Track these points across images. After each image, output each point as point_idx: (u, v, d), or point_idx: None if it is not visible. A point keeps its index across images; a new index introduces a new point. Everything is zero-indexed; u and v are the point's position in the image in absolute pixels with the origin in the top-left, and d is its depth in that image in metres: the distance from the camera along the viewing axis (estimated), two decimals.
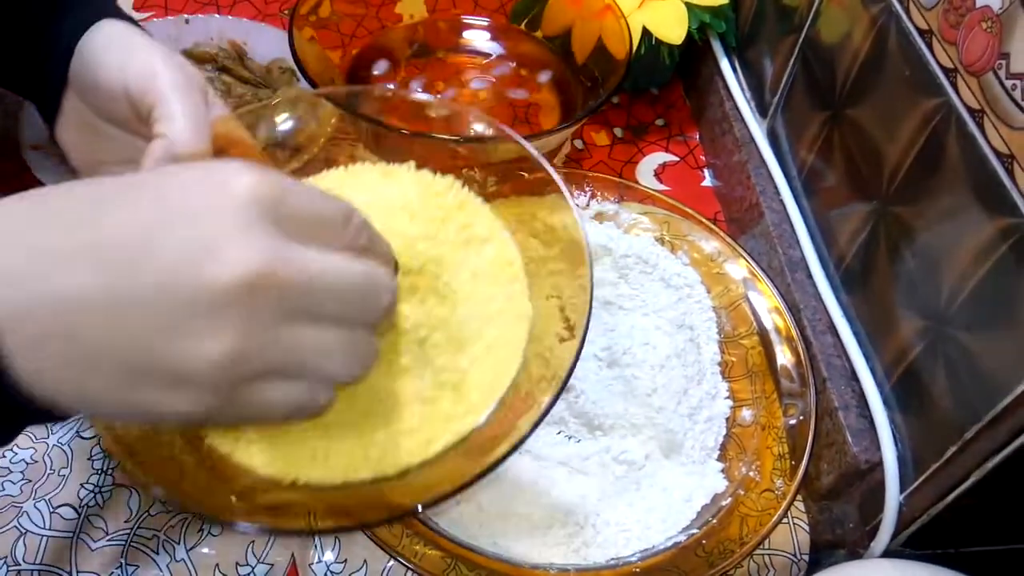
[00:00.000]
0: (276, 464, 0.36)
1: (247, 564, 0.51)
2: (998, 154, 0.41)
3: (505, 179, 0.61)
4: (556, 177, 0.45)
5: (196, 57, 0.76)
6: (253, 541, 0.52)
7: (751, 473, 0.51)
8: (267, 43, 0.77)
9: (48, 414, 0.27)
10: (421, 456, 0.36)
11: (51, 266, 0.25)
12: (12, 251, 0.25)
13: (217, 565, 0.51)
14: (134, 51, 0.41)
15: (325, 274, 0.27)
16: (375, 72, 0.70)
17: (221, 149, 0.42)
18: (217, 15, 0.78)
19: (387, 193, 0.42)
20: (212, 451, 0.36)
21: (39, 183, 0.65)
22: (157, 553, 0.51)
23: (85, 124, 0.44)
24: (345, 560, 0.52)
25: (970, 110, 0.43)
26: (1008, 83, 0.40)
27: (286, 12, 0.84)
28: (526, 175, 0.62)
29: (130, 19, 0.46)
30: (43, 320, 0.25)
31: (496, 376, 0.38)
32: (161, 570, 0.50)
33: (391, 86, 0.72)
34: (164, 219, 0.25)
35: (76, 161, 0.46)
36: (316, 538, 0.52)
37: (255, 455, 0.36)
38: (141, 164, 0.38)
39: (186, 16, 0.77)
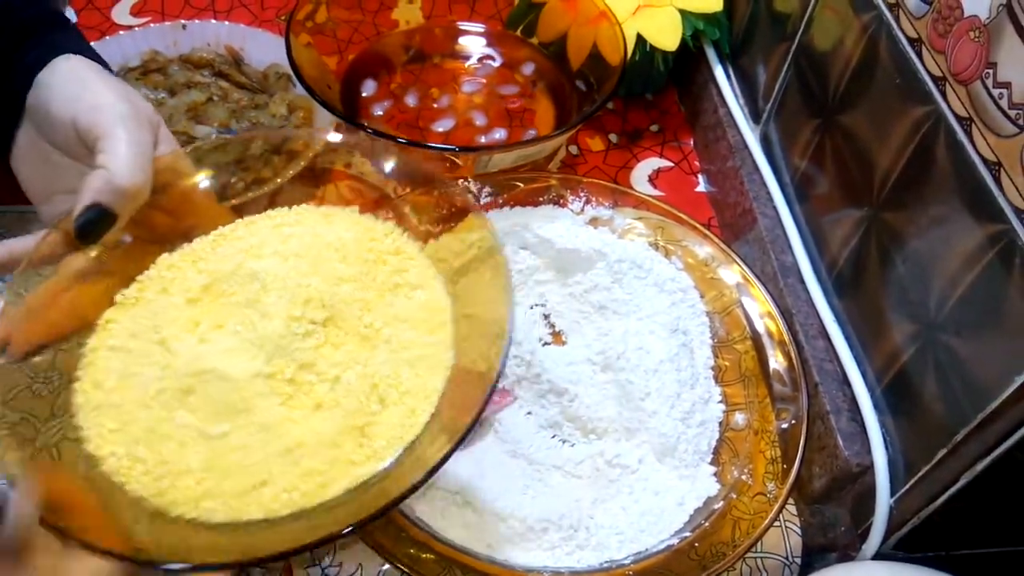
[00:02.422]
0: (166, 496, 0.36)
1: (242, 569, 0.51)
2: (986, 162, 0.41)
3: (500, 189, 0.62)
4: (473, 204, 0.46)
5: (193, 62, 0.76)
6: None
7: (744, 477, 0.52)
8: (264, 49, 0.77)
9: None
10: (318, 499, 0.36)
11: None
12: None
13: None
14: (87, 85, 0.43)
15: None
16: (364, 94, 0.70)
17: (166, 184, 0.43)
18: (214, 20, 0.78)
19: (325, 234, 0.43)
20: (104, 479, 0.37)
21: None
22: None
23: (39, 155, 0.45)
24: (340, 564, 0.52)
25: (959, 118, 0.43)
26: (995, 92, 0.40)
27: (283, 18, 0.85)
28: (520, 185, 0.62)
29: (91, 52, 0.48)
30: None
31: (405, 424, 0.38)
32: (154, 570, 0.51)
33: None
34: None
35: (30, 191, 0.47)
36: None
37: (146, 486, 0.36)
38: (79, 194, 0.39)
39: (183, 21, 0.77)
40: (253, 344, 0.39)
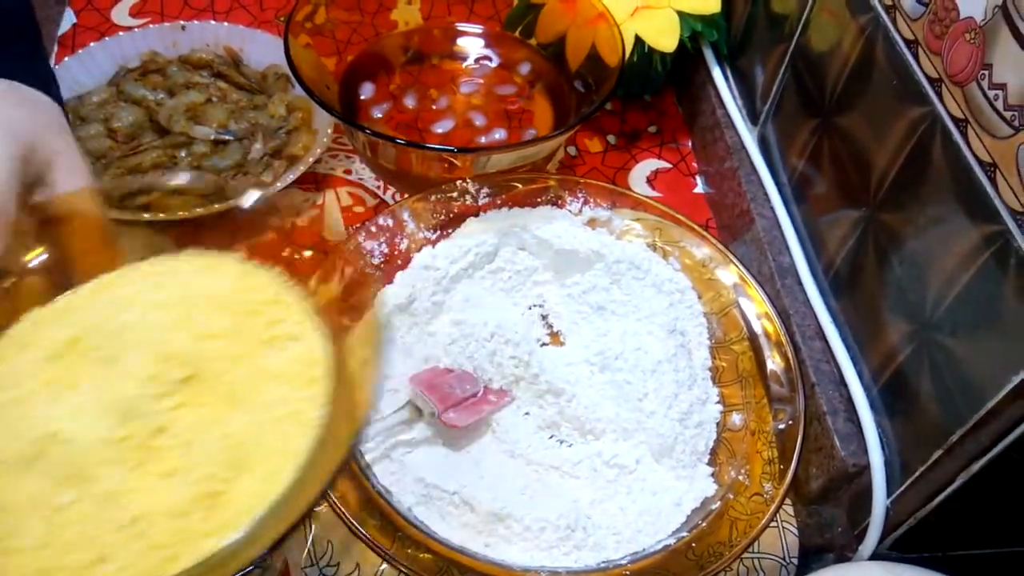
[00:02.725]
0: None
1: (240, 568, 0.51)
2: (981, 163, 0.41)
3: (498, 190, 0.62)
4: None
5: (192, 63, 0.76)
6: None
7: (740, 477, 0.52)
8: (263, 49, 0.78)
9: None
10: (162, 575, 0.32)
11: None
12: None
13: None
14: None
15: None
16: (363, 95, 0.70)
17: (65, 218, 0.41)
18: (213, 22, 0.79)
19: (198, 286, 0.41)
20: None
21: None
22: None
23: None
24: (338, 564, 0.52)
25: (954, 119, 0.43)
26: (991, 93, 0.40)
27: (282, 19, 0.85)
28: (519, 186, 0.62)
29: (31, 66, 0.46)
30: None
31: (263, 491, 0.34)
32: None
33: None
34: None
35: None
36: (309, 542, 0.53)
37: None
38: None
39: (183, 23, 0.78)
40: (105, 406, 0.36)
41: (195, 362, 0.37)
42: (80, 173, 0.43)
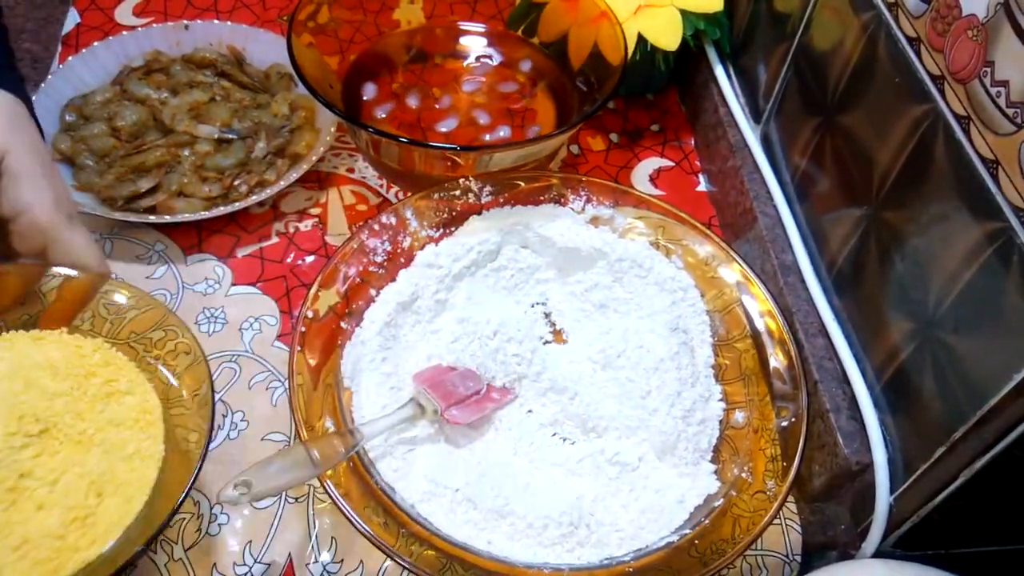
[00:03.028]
0: None
1: (244, 564, 0.52)
2: (984, 160, 0.41)
3: (501, 188, 0.62)
4: None
5: (196, 62, 0.76)
6: (250, 541, 0.52)
7: (743, 474, 0.52)
8: (266, 49, 0.78)
9: None
10: None
11: None
12: None
13: (215, 565, 0.51)
14: None
15: None
16: (365, 96, 0.71)
17: None
18: (216, 21, 0.79)
19: (34, 356, 0.48)
20: None
21: None
22: (155, 552, 0.51)
23: None
24: (342, 560, 0.52)
25: (957, 117, 0.43)
26: (993, 90, 0.40)
27: (285, 18, 0.85)
28: (522, 184, 0.63)
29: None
30: None
31: (123, 511, 0.44)
32: (160, 569, 0.51)
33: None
34: None
35: None
36: (313, 538, 0.53)
37: None
38: None
39: (186, 22, 0.78)
40: None
41: (46, 418, 0.45)
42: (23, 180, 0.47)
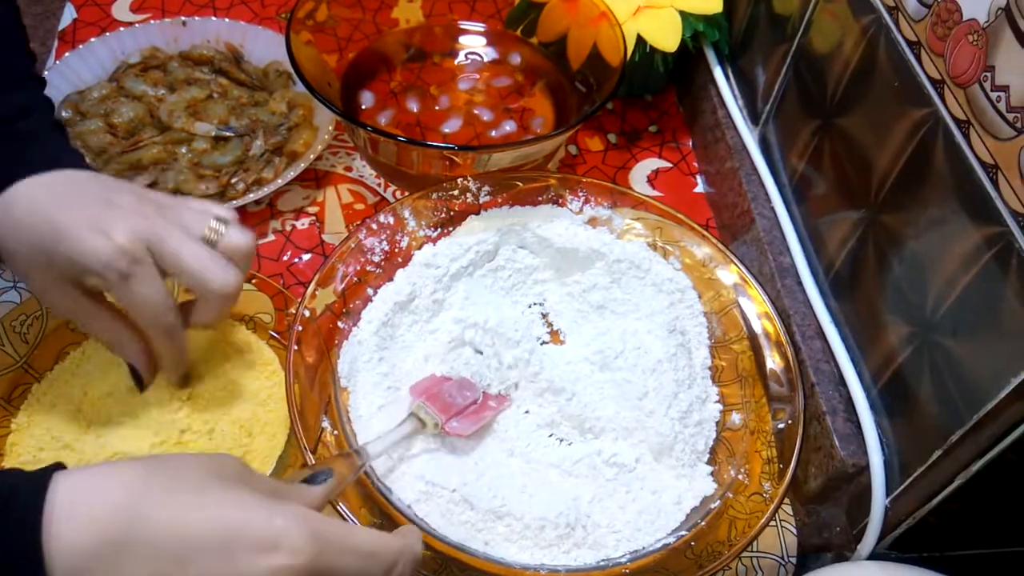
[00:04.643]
0: None
1: None
2: (983, 164, 0.41)
3: (499, 188, 0.62)
4: None
5: (193, 59, 0.76)
6: None
7: (740, 476, 0.52)
8: (264, 46, 0.77)
9: None
10: None
11: None
12: None
13: None
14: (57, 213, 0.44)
15: None
16: (364, 95, 0.71)
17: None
18: (214, 18, 0.79)
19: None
20: None
21: None
22: None
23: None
24: None
25: (957, 121, 0.43)
26: (993, 95, 0.40)
27: (283, 15, 0.85)
28: (520, 184, 0.62)
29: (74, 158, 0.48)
30: None
31: (272, 444, 0.53)
32: None
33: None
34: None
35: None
36: None
37: None
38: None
39: (183, 18, 0.78)
40: (141, 427, 0.52)
41: (191, 383, 0.54)
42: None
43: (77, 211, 0.44)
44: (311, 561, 0.32)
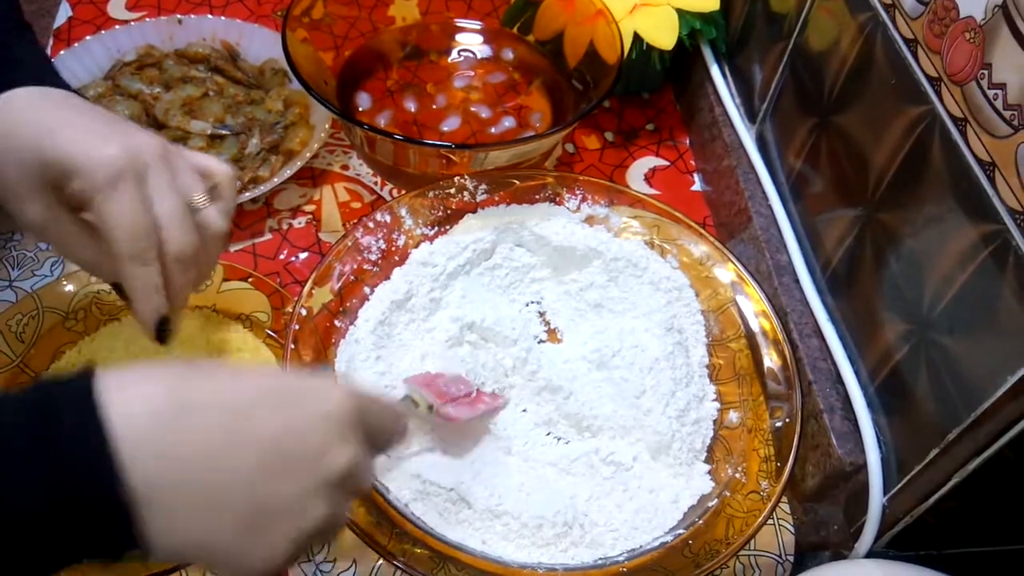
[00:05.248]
0: None
1: None
2: (980, 162, 0.41)
3: (496, 187, 0.62)
4: None
5: (189, 57, 0.76)
6: None
7: (737, 475, 0.52)
8: (260, 44, 0.77)
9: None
10: None
11: (214, 448, 0.31)
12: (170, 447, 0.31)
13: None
14: (60, 123, 0.43)
15: (365, 471, 0.37)
16: (360, 94, 0.70)
17: None
18: (210, 16, 0.78)
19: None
20: None
21: None
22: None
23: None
24: (335, 560, 0.52)
25: (954, 118, 0.43)
26: (990, 93, 0.40)
27: (279, 13, 0.84)
28: (517, 183, 0.62)
29: (54, 77, 0.47)
30: (189, 481, 0.31)
31: None
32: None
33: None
34: (291, 429, 0.33)
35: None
36: None
37: None
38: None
39: (179, 16, 0.77)
40: None
41: None
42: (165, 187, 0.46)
43: (80, 116, 0.44)
44: (354, 407, 0.35)
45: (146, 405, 0.30)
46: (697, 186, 0.76)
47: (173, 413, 0.31)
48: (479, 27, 0.77)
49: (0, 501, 0.28)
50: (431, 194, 0.61)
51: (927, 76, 0.45)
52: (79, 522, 0.29)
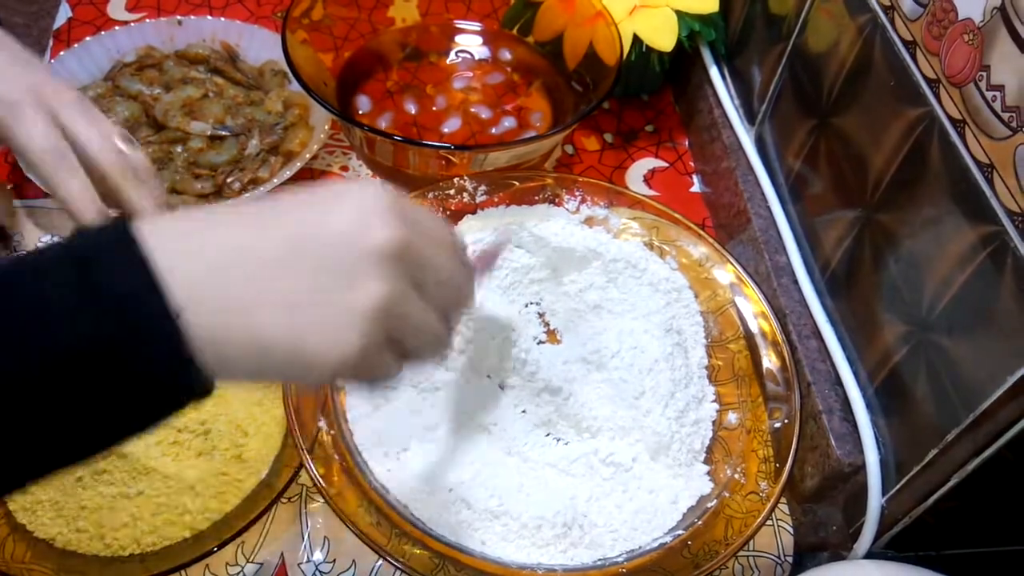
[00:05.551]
0: (112, 547, 0.50)
1: (236, 564, 0.51)
2: (978, 163, 0.41)
3: (496, 188, 0.62)
4: None
5: (189, 58, 0.76)
6: (243, 541, 0.52)
7: (736, 476, 0.52)
8: (260, 45, 0.77)
9: (197, 388, 0.30)
10: (223, 511, 0.52)
11: (245, 241, 0.31)
12: (207, 249, 0.30)
13: (207, 565, 0.51)
14: None
15: (436, 257, 0.34)
16: (359, 95, 0.71)
17: None
18: (210, 17, 0.78)
19: None
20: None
21: (29, 181, 0.65)
22: None
23: None
24: (334, 560, 0.52)
25: (952, 120, 0.43)
26: (988, 94, 0.41)
27: (279, 14, 0.85)
28: (516, 184, 0.62)
29: None
30: (229, 273, 0.30)
31: (269, 444, 0.54)
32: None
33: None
34: (335, 210, 0.32)
35: None
36: (305, 538, 0.53)
37: (94, 547, 0.50)
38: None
39: (179, 17, 0.77)
40: None
41: None
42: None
43: None
44: (397, 202, 0.33)
45: (174, 222, 0.31)
46: (696, 187, 0.76)
47: (201, 224, 0.31)
48: (479, 28, 0.77)
49: (51, 337, 0.27)
50: (431, 195, 0.61)
51: (926, 78, 0.46)
52: (132, 350, 0.28)
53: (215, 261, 0.30)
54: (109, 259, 0.28)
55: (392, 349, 0.33)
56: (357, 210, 0.32)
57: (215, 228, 0.31)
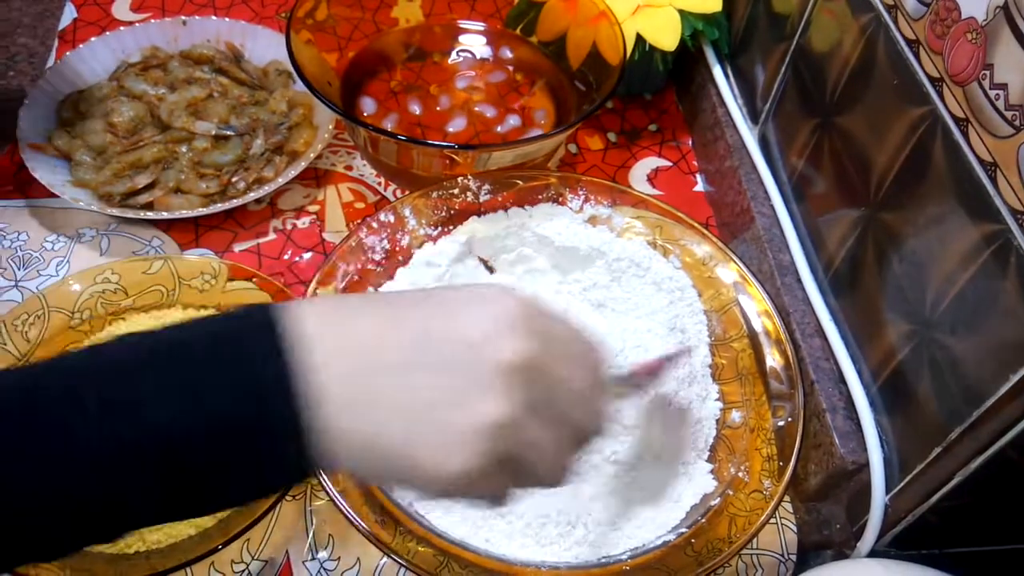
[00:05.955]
0: (118, 544, 0.50)
1: (242, 561, 0.51)
2: (982, 162, 0.41)
3: (499, 187, 0.62)
4: None
5: (193, 58, 0.76)
6: (248, 538, 0.52)
7: (740, 474, 0.52)
8: (264, 45, 0.78)
9: (308, 478, 0.31)
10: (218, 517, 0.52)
11: (377, 351, 0.30)
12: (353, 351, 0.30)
13: (212, 563, 0.51)
14: None
15: (567, 377, 0.32)
16: (364, 95, 0.71)
17: None
18: (214, 17, 0.79)
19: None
20: None
21: (35, 180, 0.65)
22: None
23: None
24: (339, 557, 0.52)
25: (955, 119, 0.43)
26: (992, 93, 0.41)
27: (283, 15, 0.85)
28: (520, 183, 0.63)
29: None
30: (361, 384, 0.30)
31: None
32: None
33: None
34: (464, 314, 0.32)
35: None
36: (310, 535, 0.53)
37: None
38: None
39: (184, 18, 0.78)
40: None
41: None
42: None
43: None
44: (529, 310, 0.32)
45: (313, 308, 0.31)
46: (699, 186, 0.76)
47: (339, 313, 0.31)
48: (482, 28, 0.77)
49: (196, 407, 0.28)
50: (435, 194, 0.61)
51: (929, 77, 0.46)
52: (260, 428, 0.28)
53: (339, 361, 0.30)
54: (259, 342, 0.29)
55: (508, 470, 0.32)
56: (489, 318, 0.31)
57: (349, 320, 0.31)
